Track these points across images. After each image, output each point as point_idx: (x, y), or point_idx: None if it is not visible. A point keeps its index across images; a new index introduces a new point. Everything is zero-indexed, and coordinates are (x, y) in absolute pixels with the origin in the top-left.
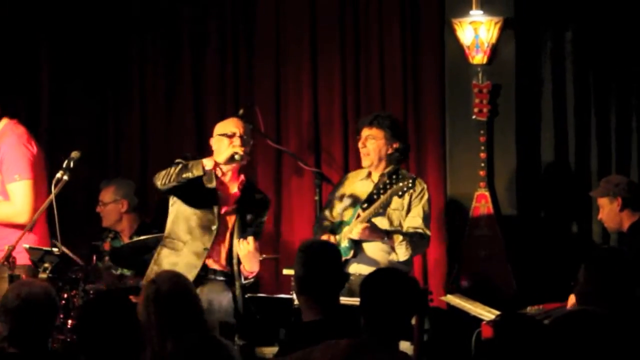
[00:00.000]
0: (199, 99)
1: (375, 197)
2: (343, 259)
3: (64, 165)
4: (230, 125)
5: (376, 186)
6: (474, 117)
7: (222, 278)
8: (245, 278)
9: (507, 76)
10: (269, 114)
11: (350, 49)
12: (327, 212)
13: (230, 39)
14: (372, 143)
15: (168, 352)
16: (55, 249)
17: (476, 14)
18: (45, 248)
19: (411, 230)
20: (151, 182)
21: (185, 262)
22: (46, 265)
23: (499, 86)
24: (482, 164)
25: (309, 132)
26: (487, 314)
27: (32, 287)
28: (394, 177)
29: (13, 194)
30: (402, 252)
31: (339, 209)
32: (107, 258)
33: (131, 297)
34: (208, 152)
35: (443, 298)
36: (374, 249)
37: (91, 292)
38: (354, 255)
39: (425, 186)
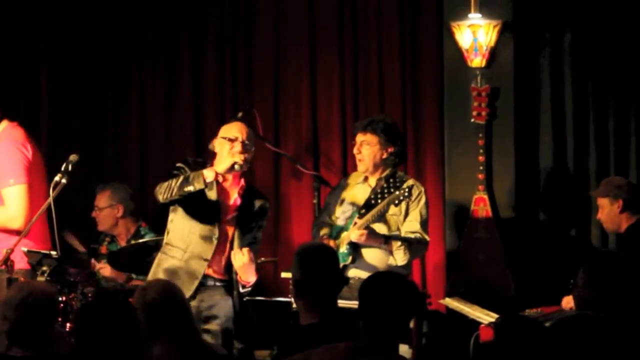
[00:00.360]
0: (198, 101)
1: (373, 202)
2: (342, 264)
3: (62, 169)
4: (233, 130)
5: (374, 191)
6: (472, 120)
7: (221, 284)
8: (243, 287)
9: (505, 79)
10: (268, 117)
11: (348, 51)
12: (325, 215)
13: (229, 42)
14: (367, 149)
15: (155, 357)
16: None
17: (475, 18)
18: (43, 251)
19: (409, 234)
20: (150, 184)
21: (185, 272)
22: (44, 268)
23: (497, 89)
24: (481, 167)
25: (307, 136)
26: (486, 317)
27: (34, 288)
28: (391, 180)
29: (7, 198)
30: (400, 257)
31: (338, 213)
32: (104, 261)
33: (130, 299)
34: (207, 154)
35: (441, 301)
36: (373, 254)
37: (89, 294)
38: (353, 261)
39: (422, 190)
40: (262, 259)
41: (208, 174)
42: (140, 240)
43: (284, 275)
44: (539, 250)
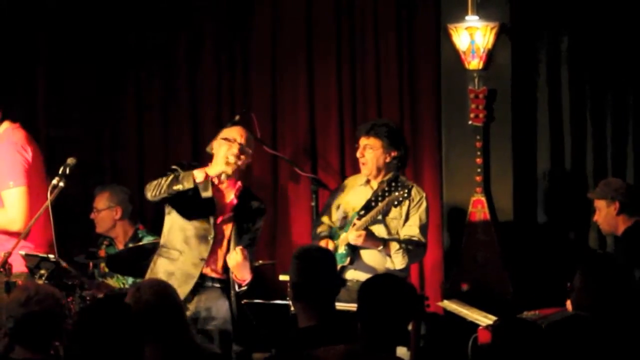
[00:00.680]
0: (195, 105)
1: (373, 204)
2: (340, 265)
3: (60, 172)
4: (233, 132)
5: (374, 193)
6: (470, 122)
7: (218, 285)
8: (239, 286)
9: (503, 81)
10: (265, 120)
11: (346, 54)
12: (325, 217)
13: (226, 46)
14: (370, 153)
15: (147, 358)
16: (51, 256)
17: (472, 20)
18: (41, 254)
19: (407, 238)
20: None
21: (182, 273)
22: (42, 271)
23: (495, 91)
24: (479, 170)
25: (305, 138)
26: (484, 319)
27: (40, 287)
28: (393, 184)
29: (7, 201)
30: (398, 261)
31: (338, 215)
32: (102, 265)
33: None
34: (204, 159)
35: (439, 304)
36: (371, 256)
37: (88, 298)
38: (351, 262)
39: (424, 195)
40: (260, 261)
41: (198, 175)
42: (140, 243)
43: (282, 277)
44: (537, 252)
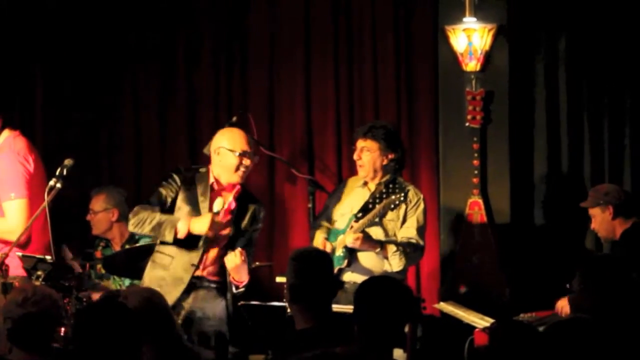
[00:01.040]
0: (192, 107)
1: (370, 206)
2: (337, 267)
3: (57, 173)
4: (237, 140)
5: (372, 195)
6: (467, 124)
7: (215, 286)
8: (236, 287)
9: (500, 83)
10: (262, 121)
11: (343, 56)
12: (324, 218)
13: (224, 47)
14: (367, 155)
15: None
16: (49, 258)
17: (469, 21)
18: (38, 256)
19: (405, 240)
20: (145, 190)
21: (172, 277)
22: (39, 273)
23: (492, 93)
24: (476, 171)
25: (302, 140)
26: (480, 321)
27: (38, 288)
28: (390, 186)
29: (7, 212)
30: (395, 263)
31: (335, 216)
32: (99, 266)
33: None
34: (202, 160)
35: (436, 306)
36: (369, 258)
37: (84, 299)
38: (348, 264)
39: (421, 196)
40: (257, 263)
41: (181, 228)
42: (136, 245)
43: (278, 279)
44: (533, 254)
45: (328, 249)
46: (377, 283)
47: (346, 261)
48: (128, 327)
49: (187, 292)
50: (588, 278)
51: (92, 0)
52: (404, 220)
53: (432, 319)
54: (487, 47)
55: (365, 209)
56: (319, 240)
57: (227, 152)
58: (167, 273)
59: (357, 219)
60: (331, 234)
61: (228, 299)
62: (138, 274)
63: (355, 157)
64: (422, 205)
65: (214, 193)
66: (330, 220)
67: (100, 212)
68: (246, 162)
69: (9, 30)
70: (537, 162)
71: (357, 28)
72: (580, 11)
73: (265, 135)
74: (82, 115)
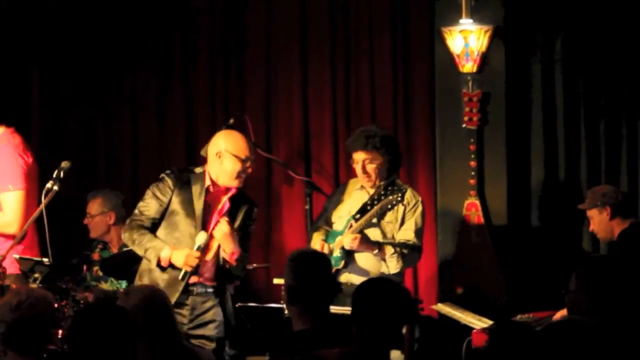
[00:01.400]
0: (189, 108)
1: (369, 207)
2: (335, 268)
3: (54, 176)
4: (246, 149)
5: (371, 197)
6: (464, 125)
7: (212, 290)
8: (230, 266)
9: (497, 84)
10: (259, 122)
11: (340, 57)
12: (322, 220)
13: (220, 48)
14: (372, 165)
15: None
16: (45, 260)
17: (466, 23)
18: (35, 258)
19: (402, 242)
20: (142, 192)
21: (167, 283)
22: (36, 275)
23: (489, 94)
24: (472, 173)
25: (299, 141)
26: (478, 322)
27: (32, 291)
28: (389, 188)
29: (5, 204)
30: (393, 265)
31: (334, 218)
32: (96, 268)
33: None
34: (199, 162)
35: (434, 307)
36: (366, 260)
37: (82, 301)
38: (345, 265)
39: (419, 199)
40: (254, 264)
41: (164, 258)
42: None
43: (276, 281)
44: (531, 255)
45: (326, 251)
46: (375, 284)
47: (343, 262)
48: (124, 329)
49: (185, 296)
50: (584, 279)
51: (90, 1)
52: (402, 223)
53: (430, 320)
54: (483, 49)
55: (363, 210)
56: (317, 242)
57: (231, 157)
58: (162, 277)
59: (356, 220)
60: (329, 236)
61: (226, 301)
62: (135, 276)
63: (358, 169)
64: (420, 208)
65: (210, 195)
66: (328, 222)
67: (97, 215)
68: (248, 168)
69: (6, 30)
70: (534, 163)
71: (354, 29)
72: (577, 12)
73: (262, 136)
74: (79, 116)
